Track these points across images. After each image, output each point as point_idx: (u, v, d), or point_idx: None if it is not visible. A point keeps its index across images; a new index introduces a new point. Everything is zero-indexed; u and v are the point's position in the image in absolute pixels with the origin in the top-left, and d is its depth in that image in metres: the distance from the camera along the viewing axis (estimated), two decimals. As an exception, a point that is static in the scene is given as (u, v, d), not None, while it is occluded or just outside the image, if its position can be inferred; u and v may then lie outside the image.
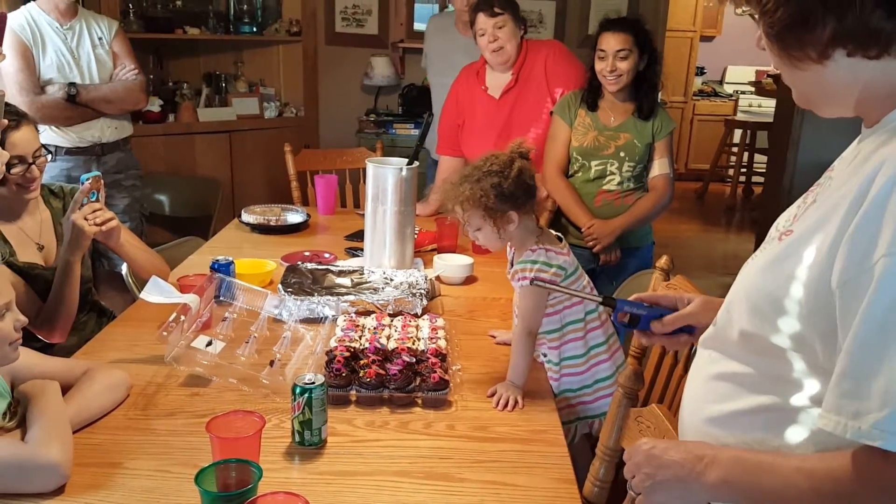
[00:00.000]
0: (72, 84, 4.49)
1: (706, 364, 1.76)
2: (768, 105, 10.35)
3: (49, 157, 3.10)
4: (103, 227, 2.95)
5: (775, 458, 1.49)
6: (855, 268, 1.33)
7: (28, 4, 4.60)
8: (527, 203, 2.75)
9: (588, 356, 2.84)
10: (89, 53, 4.65)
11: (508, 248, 2.88)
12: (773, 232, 1.65)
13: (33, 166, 2.96)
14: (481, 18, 4.31)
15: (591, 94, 4.09)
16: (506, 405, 2.44)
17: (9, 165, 2.85)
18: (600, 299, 2.09)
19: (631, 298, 2.06)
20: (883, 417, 1.29)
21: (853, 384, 1.33)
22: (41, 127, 4.27)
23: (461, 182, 2.72)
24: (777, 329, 1.51)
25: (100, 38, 4.71)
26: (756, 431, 1.59)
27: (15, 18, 4.48)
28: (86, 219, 2.91)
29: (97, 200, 2.97)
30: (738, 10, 1.55)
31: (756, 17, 1.50)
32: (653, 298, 2.04)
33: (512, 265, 2.83)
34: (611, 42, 3.90)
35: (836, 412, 1.35)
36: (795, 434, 1.52)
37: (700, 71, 12.12)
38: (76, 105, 4.52)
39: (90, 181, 2.96)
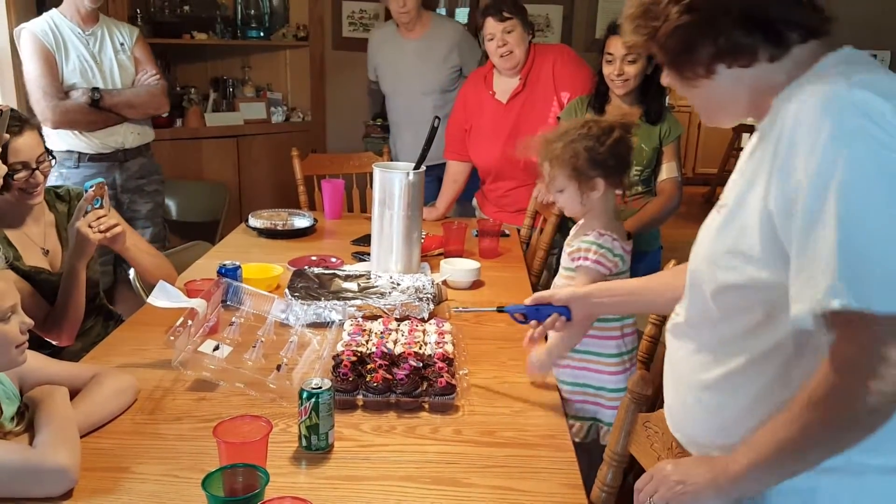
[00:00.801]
0: (95, 89, 4.50)
1: (679, 348, 1.92)
2: None
3: (53, 161, 3.08)
4: (108, 234, 2.94)
5: (778, 415, 1.57)
6: (786, 187, 1.51)
7: (50, 11, 4.60)
8: (616, 175, 2.76)
9: (622, 359, 2.82)
10: (112, 59, 4.66)
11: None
12: (717, 206, 1.83)
13: (37, 172, 2.95)
14: (490, 23, 4.31)
15: (599, 99, 4.07)
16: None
17: (12, 171, 2.86)
18: (494, 308, 2.42)
19: (526, 301, 2.43)
20: (833, 282, 1.40)
21: (804, 269, 1.46)
22: (64, 133, 4.33)
23: (555, 139, 2.72)
24: (746, 274, 1.64)
25: (121, 44, 4.73)
26: (752, 386, 1.70)
27: (37, 24, 4.50)
28: (90, 226, 2.90)
29: (101, 207, 2.97)
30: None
31: (654, 53, 1.77)
32: (543, 299, 2.40)
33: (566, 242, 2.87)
34: (618, 45, 3.87)
35: (800, 300, 1.47)
36: (798, 368, 1.62)
37: None
38: (99, 110, 4.52)
39: (94, 188, 2.95)
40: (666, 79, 1.81)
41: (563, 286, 2.76)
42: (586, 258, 2.71)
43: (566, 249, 2.88)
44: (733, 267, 1.66)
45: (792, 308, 1.47)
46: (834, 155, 1.42)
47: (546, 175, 2.80)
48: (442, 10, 7.69)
